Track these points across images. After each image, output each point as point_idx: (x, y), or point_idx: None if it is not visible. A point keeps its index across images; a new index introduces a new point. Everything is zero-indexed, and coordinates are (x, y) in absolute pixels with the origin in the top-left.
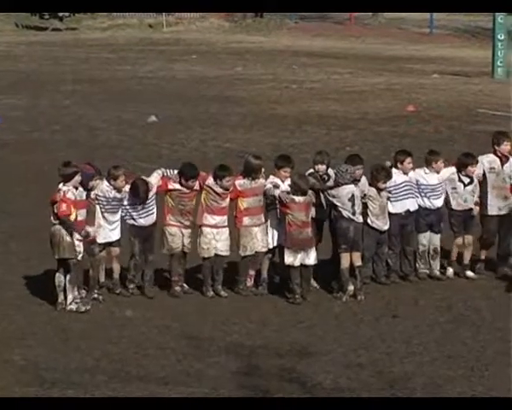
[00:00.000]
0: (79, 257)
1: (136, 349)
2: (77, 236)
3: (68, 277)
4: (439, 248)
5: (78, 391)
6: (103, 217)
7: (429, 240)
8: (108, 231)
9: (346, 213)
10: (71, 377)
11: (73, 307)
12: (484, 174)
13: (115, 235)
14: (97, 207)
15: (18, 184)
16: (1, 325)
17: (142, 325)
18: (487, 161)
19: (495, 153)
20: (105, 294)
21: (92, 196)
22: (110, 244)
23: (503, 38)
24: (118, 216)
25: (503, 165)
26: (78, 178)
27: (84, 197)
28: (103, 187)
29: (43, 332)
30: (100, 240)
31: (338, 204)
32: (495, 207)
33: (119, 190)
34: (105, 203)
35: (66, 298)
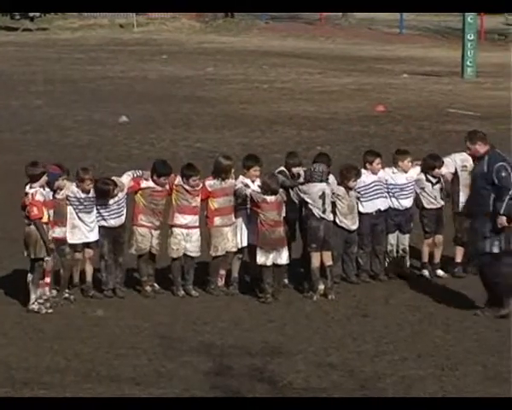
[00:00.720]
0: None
1: (108, 349)
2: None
3: (31, 277)
4: (407, 248)
5: (50, 391)
6: (78, 217)
7: (398, 240)
8: (86, 231)
9: (316, 212)
10: (42, 377)
11: (35, 307)
12: (456, 172)
13: (93, 236)
14: (70, 208)
15: None
16: None
17: (114, 325)
18: (460, 159)
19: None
20: (77, 293)
21: (60, 196)
22: (87, 245)
23: (472, 38)
24: (94, 216)
25: (475, 163)
26: (45, 178)
27: (51, 197)
28: (73, 188)
29: (15, 332)
30: (75, 240)
31: (309, 201)
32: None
33: (85, 191)
34: (77, 204)
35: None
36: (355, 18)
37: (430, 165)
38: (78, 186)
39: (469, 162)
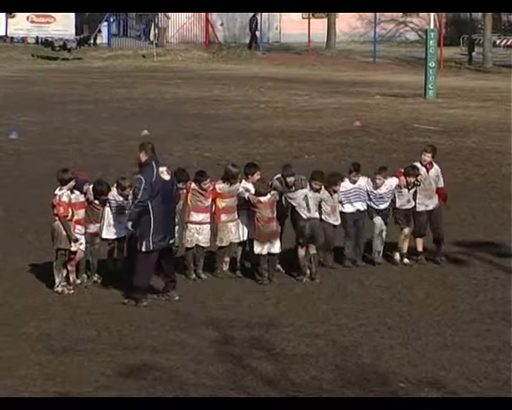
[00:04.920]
0: (82, 247)
1: (132, 322)
2: (76, 231)
3: (54, 264)
4: (384, 235)
5: (84, 357)
6: (114, 218)
7: (381, 224)
8: (119, 229)
9: (302, 213)
10: (77, 345)
11: (59, 289)
12: None
13: (123, 232)
14: (107, 209)
15: (34, 187)
16: (19, 304)
17: (137, 301)
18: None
19: (420, 162)
20: (109, 277)
21: (96, 201)
22: (118, 239)
23: (433, 65)
24: (124, 216)
25: (428, 171)
26: (72, 183)
27: (81, 200)
28: (114, 193)
29: (55, 308)
30: (111, 236)
31: (295, 205)
32: (422, 205)
33: (124, 197)
34: (115, 206)
35: (67, 280)
36: (336, 50)
37: (407, 173)
38: (119, 193)
39: (422, 170)
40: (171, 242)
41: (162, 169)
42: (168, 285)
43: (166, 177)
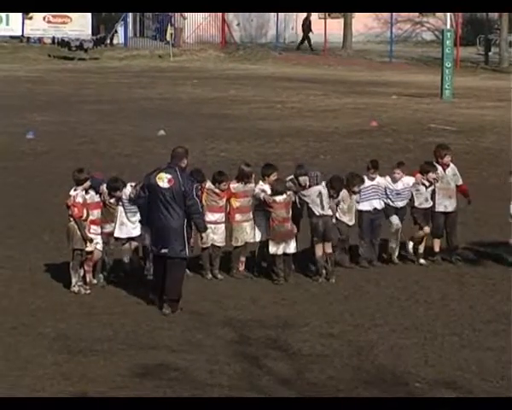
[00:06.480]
0: (99, 247)
1: (148, 322)
2: (92, 231)
3: (71, 264)
4: (399, 236)
5: (99, 357)
6: (127, 217)
7: (397, 223)
8: (131, 228)
9: (316, 210)
10: (94, 345)
11: (76, 289)
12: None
13: (136, 232)
14: (120, 208)
15: (51, 187)
16: (35, 304)
17: (153, 302)
18: None
19: (437, 162)
20: (125, 276)
21: (112, 200)
22: (132, 239)
23: (450, 65)
24: (138, 216)
25: (445, 170)
26: (88, 183)
27: (97, 200)
28: (126, 191)
29: (71, 308)
30: (123, 235)
31: (309, 202)
32: (441, 205)
33: None
34: (128, 205)
35: (84, 280)
36: (352, 49)
37: (425, 169)
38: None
39: (440, 169)
40: (163, 251)
41: (161, 175)
42: (161, 297)
43: (164, 184)
